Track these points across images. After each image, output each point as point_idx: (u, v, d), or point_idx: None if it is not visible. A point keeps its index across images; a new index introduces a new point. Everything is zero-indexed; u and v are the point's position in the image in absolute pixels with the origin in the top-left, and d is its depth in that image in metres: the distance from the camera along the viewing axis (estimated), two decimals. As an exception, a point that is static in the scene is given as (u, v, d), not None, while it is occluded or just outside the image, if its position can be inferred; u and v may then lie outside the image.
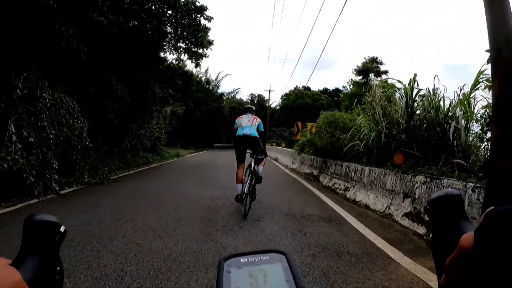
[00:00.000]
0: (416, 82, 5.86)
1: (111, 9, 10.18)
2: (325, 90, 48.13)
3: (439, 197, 0.43)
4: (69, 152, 7.71)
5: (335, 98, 48.66)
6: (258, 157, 4.79)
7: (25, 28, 6.52)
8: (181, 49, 14.07)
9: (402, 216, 4.73)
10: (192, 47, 13.64)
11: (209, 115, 36.50)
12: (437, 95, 5.76)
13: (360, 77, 27.73)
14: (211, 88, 39.68)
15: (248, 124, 5.12)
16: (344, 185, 7.04)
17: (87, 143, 7.73)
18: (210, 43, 13.85)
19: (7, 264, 0.34)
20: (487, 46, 2.98)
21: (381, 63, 27.76)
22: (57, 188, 6.52)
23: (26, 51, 6.60)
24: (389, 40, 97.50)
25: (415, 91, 5.84)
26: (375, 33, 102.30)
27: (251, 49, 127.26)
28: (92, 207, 4.99)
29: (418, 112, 5.91)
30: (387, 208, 5.15)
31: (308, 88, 45.90)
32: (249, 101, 54.84)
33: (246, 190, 4.56)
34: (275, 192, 6.92)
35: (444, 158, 5.08)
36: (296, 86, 48.44)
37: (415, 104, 5.84)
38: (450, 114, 5.33)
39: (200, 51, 14.47)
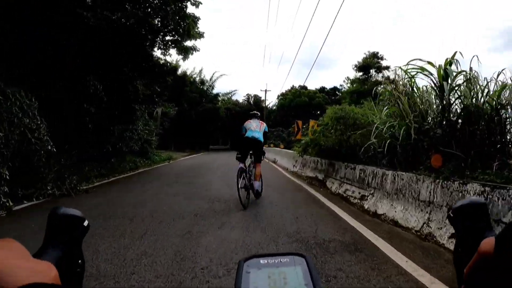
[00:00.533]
0: (456, 64, 4.62)
1: (95, 1, 9.01)
2: (323, 89, 47.02)
3: (463, 205, 0.42)
4: (31, 159, 6.46)
5: (333, 97, 47.59)
6: (256, 157, 5.63)
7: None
8: (169, 43, 12.82)
9: (449, 237, 3.50)
10: (179, 39, 12.39)
11: (204, 116, 35.21)
12: (479, 80, 4.55)
13: (361, 74, 26.58)
14: (205, 88, 38.41)
15: (256, 129, 5.59)
16: (360, 193, 5.81)
17: (49, 147, 6.45)
18: (200, 34, 12.62)
19: (31, 257, 0.33)
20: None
21: (382, 58, 26.68)
22: (9, 203, 5.27)
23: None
24: (390, 36, 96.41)
25: (452, 75, 4.59)
26: (375, 29, 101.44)
27: (247, 49, 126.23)
28: (37, 231, 3.73)
29: (455, 101, 4.68)
30: (424, 226, 3.91)
31: (305, 87, 44.78)
32: (245, 101, 53.60)
33: (240, 184, 5.07)
34: (277, 203, 5.67)
35: (498, 159, 3.86)
36: (293, 85, 47.35)
37: (453, 91, 4.60)
38: (503, 102, 4.11)
39: (189, 43, 13.25)
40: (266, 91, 45.48)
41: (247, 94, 55.51)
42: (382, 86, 5.98)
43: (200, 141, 38.44)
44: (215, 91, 39.67)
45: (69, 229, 0.40)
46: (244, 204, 5.02)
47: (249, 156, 5.66)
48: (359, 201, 5.63)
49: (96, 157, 11.18)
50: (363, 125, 6.44)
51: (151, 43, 12.00)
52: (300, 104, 37.30)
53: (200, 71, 38.17)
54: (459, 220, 0.42)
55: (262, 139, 5.59)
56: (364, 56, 26.70)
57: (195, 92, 34.54)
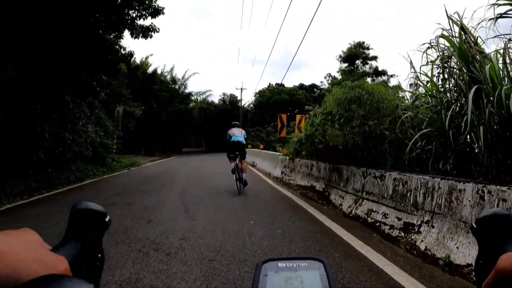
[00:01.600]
0: None
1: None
2: (301, 86, 45.29)
3: (486, 216, 0.41)
4: None
5: (312, 94, 45.97)
6: (241, 156, 7.17)
7: None
8: (127, 21, 10.14)
9: None
10: (135, 15, 9.81)
11: (176, 117, 32.33)
12: None
13: (346, 65, 24.72)
14: (177, 87, 35.51)
15: (239, 135, 7.24)
16: (400, 219, 3.56)
17: None
18: (159, 10, 10.12)
19: (50, 250, 0.33)
20: None
21: (368, 48, 24.94)
22: None
23: None
24: (371, 30, 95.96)
25: None
26: (354, 27, 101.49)
27: (222, 50, 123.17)
28: None
29: None
30: None
31: (282, 85, 42.84)
32: (221, 101, 51.08)
33: (236, 176, 6.95)
34: (263, 244, 3.34)
35: None
36: (270, 83, 45.26)
37: None
38: None
39: (147, 23, 10.68)
40: (242, 89, 43.12)
41: (222, 93, 53.00)
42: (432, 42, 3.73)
43: (172, 144, 35.55)
44: (187, 91, 36.80)
45: (91, 223, 0.40)
46: (239, 190, 6.82)
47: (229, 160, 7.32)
48: (402, 234, 3.38)
49: (23, 166, 8.46)
50: (390, 111, 4.22)
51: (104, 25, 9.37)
52: (279, 101, 35.19)
53: (172, 69, 35.23)
54: (482, 231, 0.41)
55: (244, 142, 7.28)
56: (349, 45, 24.90)
57: (165, 91, 31.57)
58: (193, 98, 37.52)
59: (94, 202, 0.41)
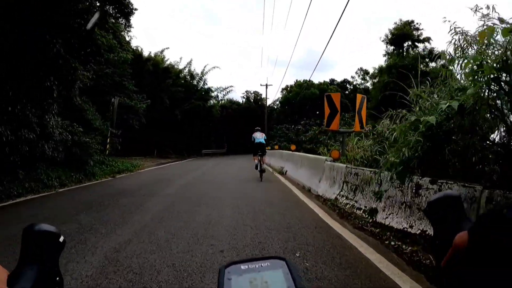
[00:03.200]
0: None
1: None
2: (332, 81, 40.71)
3: (438, 198, 0.43)
4: None
5: (346, 92, 41.31)
6: (263, 154, 9.31)
7: None
8: None
9: None
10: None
11: (193, 115, 28.87)
12: None
13: (392, 48, 20.16)
14: (195, 82, 32.06)
15: (260, 138, 9.54)
16: None
17: None
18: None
19: (4, 276, 0.33)
20: None
21: (418, 29, 20.19)
22: None
23: None
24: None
25: None
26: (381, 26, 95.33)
27: (245, 50, 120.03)
28: None
29: None
30: None
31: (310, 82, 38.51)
32: (244, 99, 47.38)
33: (259, 168, 9.27)
34: None
35: None
36: (296, 80, 40.97)
37: None
38: None
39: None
40: (267, 85, 39.21)
41: (245, 91, 49.34)
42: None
43: (190, 145, 32.15)
44: (207, 86, 33.15)
45: (44, 245, 0.39)
46: (261, 178, 9.17)
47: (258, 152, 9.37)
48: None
49: None
50: None
51: None
52: (308, 97, 30.83)
53: (189, 63, 31.66)
54: (435, 213, 0.43)
55: (264, 142, 9.60)
56: (396, 25, 20.19)
57: (181, 86, 28.12)
58: (213, 94, 33.72)
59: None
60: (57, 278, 0.40)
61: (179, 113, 26.06)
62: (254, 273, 0.39)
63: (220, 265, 0.42)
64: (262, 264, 0.40)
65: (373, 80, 27.75)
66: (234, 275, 0.39)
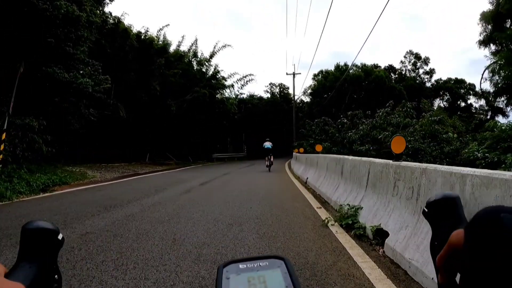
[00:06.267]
0: None
1: None
2: (376, 66, 32.50)
3: (437, 200, 0.44)
4: None
5: (394, 76, 32.99)
6: (271, 157, 13.94)
7: None
8: None
9: None
10: None
11: (196, 108, 21.92)
12: None
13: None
14: (204, 70, 25.02)
15: (268, 145, 14.25)
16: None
17: None
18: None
19: (2, 273, 0.33)
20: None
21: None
22: None
23: None
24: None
25: None
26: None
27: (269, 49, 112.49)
28: None
29: None
30: None
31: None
32: (267, 92, 40.18)
33: (268, 164, 13.83)
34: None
35: None
36: (337, 63, 32.99)
37: None
38: None
39: None
40: (294, 74, 31.69)
41: (270, 83, 42.00)
42: None
43: (197, 147, 25.46)
44: (219, 74, 25.92)
45: (43, 243, 0.39)
46: (269, 169, 13.42)
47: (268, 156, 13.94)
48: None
49: None
50: None
51: None
52: (351, 79, 22.84)
53: (195, 43, 24.65)
54: (434, 214, 0.43)
55: (271, 148, 14.18)
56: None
57: (180, 69, 21.17)
58: (226, 83, 26.36)
59: None
60: (56, 276, 0.39)
61: (173, 104, 19.12)
62: (253, 272, 0.38)
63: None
64: (260, 263, 0.40)
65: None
66: (232, 274, 0.38)
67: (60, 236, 0.40)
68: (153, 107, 18.74)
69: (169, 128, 20.64)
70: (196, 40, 25.45)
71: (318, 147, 11.84)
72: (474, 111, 36.06)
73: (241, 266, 0.39)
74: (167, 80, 19.90)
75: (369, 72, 25.21)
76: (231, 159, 29.06)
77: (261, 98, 36.51)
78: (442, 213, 0.43)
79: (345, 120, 15.76)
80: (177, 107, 20.35)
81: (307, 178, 8.43)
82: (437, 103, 35.00)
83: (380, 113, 15.20)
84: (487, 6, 20.06)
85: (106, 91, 13.05)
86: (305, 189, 7.37)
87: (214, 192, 7.13)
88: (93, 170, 13.27)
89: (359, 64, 26.94)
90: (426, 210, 0.44)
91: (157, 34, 21.72)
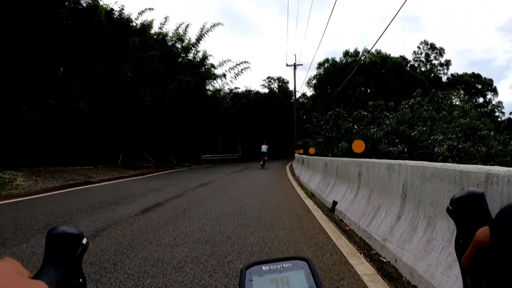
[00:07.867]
0: None
1: None
2: (388, 56, 29.27)
3: (461, 197, 0.42)
4: None
5: (407, 67, 29.66)
6: (265, 157, 17.70)
7: None
8: None
9: None
10: None
11: (179, 100, 18.42)
12: None
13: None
14: (190, 56, 21.63)
15: (264, 148, 17.64)
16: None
17: None
18: None
19: (30, 278, 0.32)
20: None
21: None
22: None
23: None
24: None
25: None
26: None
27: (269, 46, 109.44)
28: None
29: None
30: None
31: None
32: (265, 87, 36.76)
33: (262, 163, 17.34)
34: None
35: None
36: (347, 49, 29.54)
37: None
38: None
39: None
40: (295, 65, 28.23)
41: (268, 77, 38.56)
42: None
43: (186, 148, 22.05)
44: (207, 60, 22.45)
45: (68, 248, 0.39)
46: (262, 167, 16.76)
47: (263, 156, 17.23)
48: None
49: None
50: None
51: None
52: (365, 66, 19.35)
53: (180, 27, 21.24)
54: (458, 211, 0.41)
55: (266, 151, 17.62)
56: None
57: (161, 56, 17.62)
58: (217, 71, 22.76)
59: None
60: (80, 280, 0.40)
61: (147, 93, 15.54)
62: (276, 273, 0.38)
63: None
64: (283, 265, 0.39)
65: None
66: (256, 276, 0.38)
67: (84, 241, 0.40)
68: (123, 97, 15.21)
69: (145, 124, 17.11)
70: (187, 26, 21.68)
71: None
72: (491, 108, 33.07)
73: (264, 267, 0.39)
74: (143, 66, 16.37)
75: (384, 59, 21.78)
76: (224, 161, 25.57)
77: (257, 93, 33.03)
78: (466, 210, 0.40)
79: (365, 113, 12.26)
80: (157, 99, 16.82)
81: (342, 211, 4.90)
82: (454, 99, 31.88)
83: (408, 105, 12.14)
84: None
85: (68, 79, 9.58)
86: (344, 235, 3.86)
87: (149, 238, 3.61)
88: (31, 176, 9.82)
89: (373, 52, 23.45)
90: (450, 207, 0.43)
91: (137, 17, 18.25)
